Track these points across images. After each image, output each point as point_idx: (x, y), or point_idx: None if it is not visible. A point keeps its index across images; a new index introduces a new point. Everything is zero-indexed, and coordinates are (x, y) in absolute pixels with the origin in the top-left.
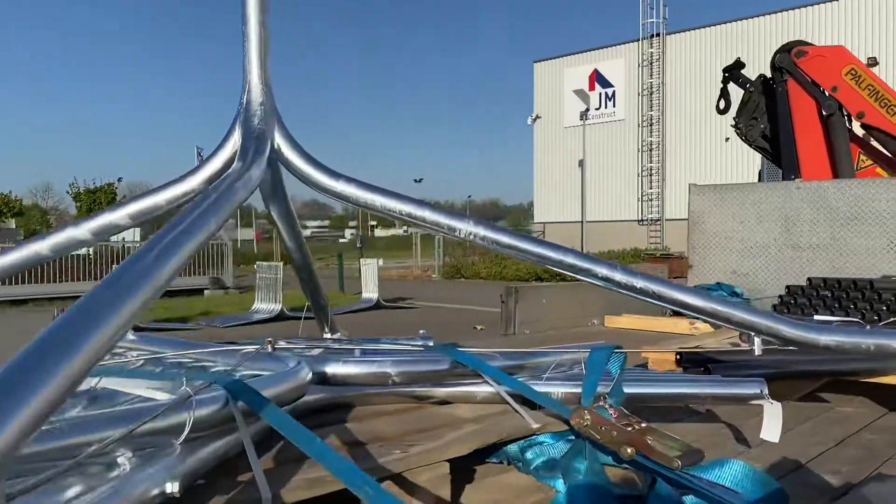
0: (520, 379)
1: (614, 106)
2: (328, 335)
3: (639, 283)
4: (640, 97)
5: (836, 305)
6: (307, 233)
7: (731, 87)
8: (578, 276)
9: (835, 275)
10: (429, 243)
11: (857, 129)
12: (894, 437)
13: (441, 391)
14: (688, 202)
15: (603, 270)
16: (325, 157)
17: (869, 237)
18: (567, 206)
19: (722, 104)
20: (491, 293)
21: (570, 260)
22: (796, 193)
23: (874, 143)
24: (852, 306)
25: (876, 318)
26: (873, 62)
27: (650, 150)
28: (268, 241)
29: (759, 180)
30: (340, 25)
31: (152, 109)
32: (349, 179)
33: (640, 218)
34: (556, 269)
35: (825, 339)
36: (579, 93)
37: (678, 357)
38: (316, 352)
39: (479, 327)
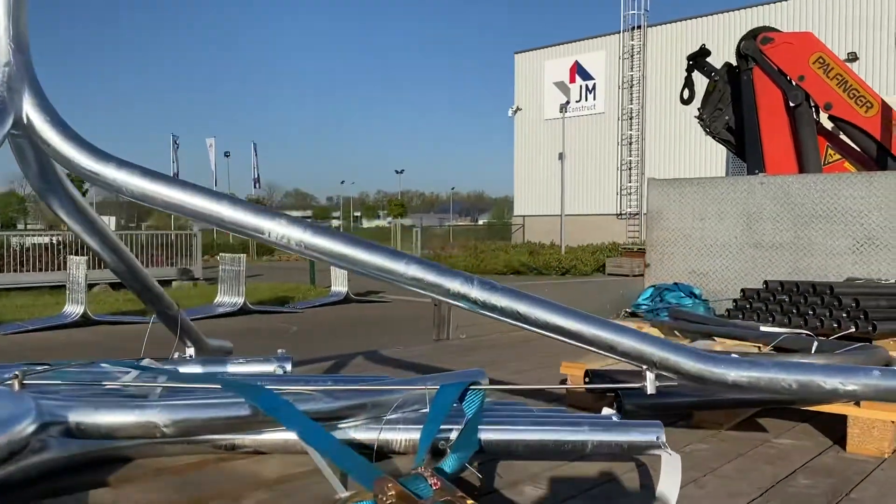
0: (357, 423)
1: (594, 99)
2: (190, 350)
3: (501, 302)
4: (621, 90)
5: (794, 311)
6: None
7: (697, 76)
8: (426, 293)
9: (798, 276)
10: (408, 236)
11: (826, 122)
12: (835, 485)
13: (249, 439)
14: (646, 197)
15: (454, 285)
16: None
17: (834, 236)
18: (547, 200)
19: (686, 94)
20: (530, 284)
21: (412, 272)
22: (759, 189)
23: (843, 137)
24: (811, 312)
25: (835, 325)
26: (853, 57)
27: (630, 144)
28: None
29: (727, 175)
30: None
31: (126, 95)
32: (122, 163)
33: (618, 212)
34: (398, 283)
35: (735, 374)
36: (560, 85)
37: (587, 378)
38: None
39: None
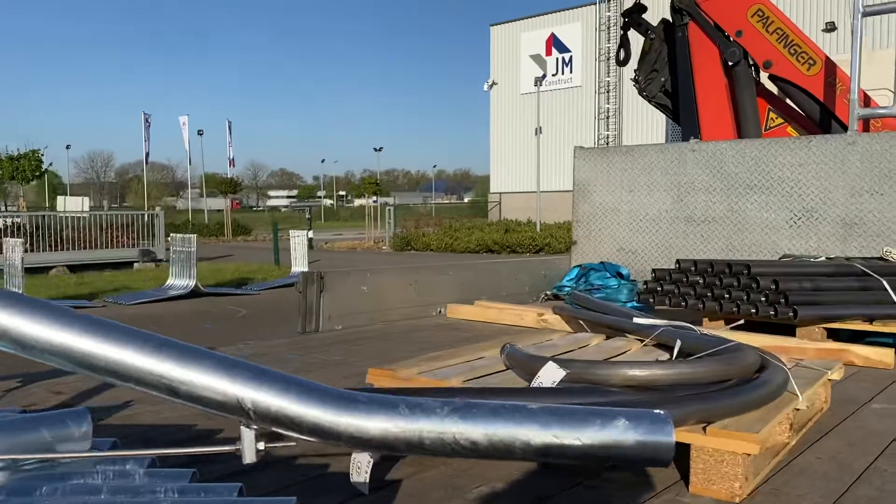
0: None
1: (571, 72)
2: None
3: None
4: (598, 63)
5: (708, 294)
6: (282, 203)
7: (634, 34)
8: None
9: (731, 253)
10: (384, 214)
11: (769, 84)
12: None
13: None
14: (573, 168)
15: None
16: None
17: (770, 209)
18: (524, 176)
19: (621, 54)
20: (436, 266)
21: None
22: (691, 157)
23: (789, 101)
24: (726, 295)
25: (753, 311)
26: (831, 27)
27: (607, 118)
28: (241, 211)
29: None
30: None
31: (95, 74)
32: None
33: None
34: None
35: (380, 426)
36: (536, 58)
37: None
38: None
39: None
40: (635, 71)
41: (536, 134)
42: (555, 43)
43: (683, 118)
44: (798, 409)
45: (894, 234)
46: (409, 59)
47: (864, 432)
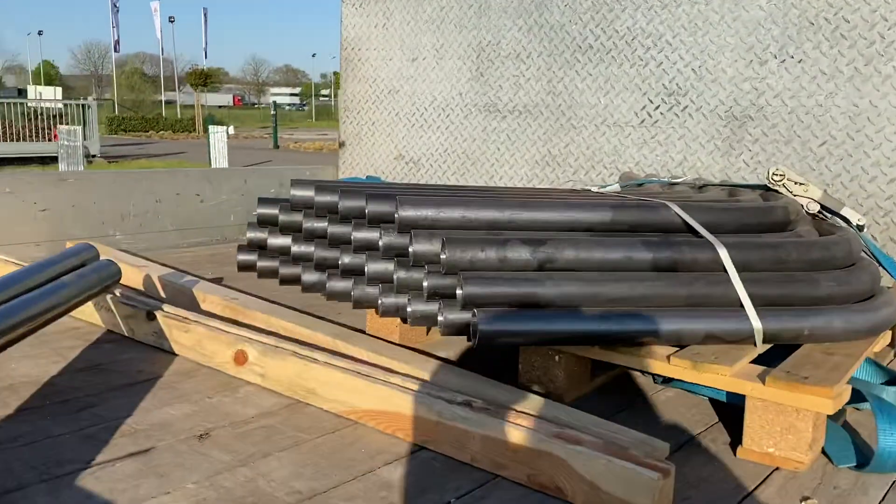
0: None
1: None
2: None
3: None
4: None
5: (342, 259)
6: (284, 101)
7: None
8: None
9: (551, 165)
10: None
11: None
12: None
13: None
14: (341, 22)
15: None
16: None
17: (612, 91)
18: None
19: None
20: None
21: None
22: None
23: None
24: (371, 266)
25: (404, 305)
26: None
27: None
28: (246, 107)
29: None
30: None
31: None
32: None
33: None
34: None
35: None
36: None
37: None
38: None
39: None
40: None
41: None
42: None
43: None
44: None
45: (814, 139)
46: None
47: None
